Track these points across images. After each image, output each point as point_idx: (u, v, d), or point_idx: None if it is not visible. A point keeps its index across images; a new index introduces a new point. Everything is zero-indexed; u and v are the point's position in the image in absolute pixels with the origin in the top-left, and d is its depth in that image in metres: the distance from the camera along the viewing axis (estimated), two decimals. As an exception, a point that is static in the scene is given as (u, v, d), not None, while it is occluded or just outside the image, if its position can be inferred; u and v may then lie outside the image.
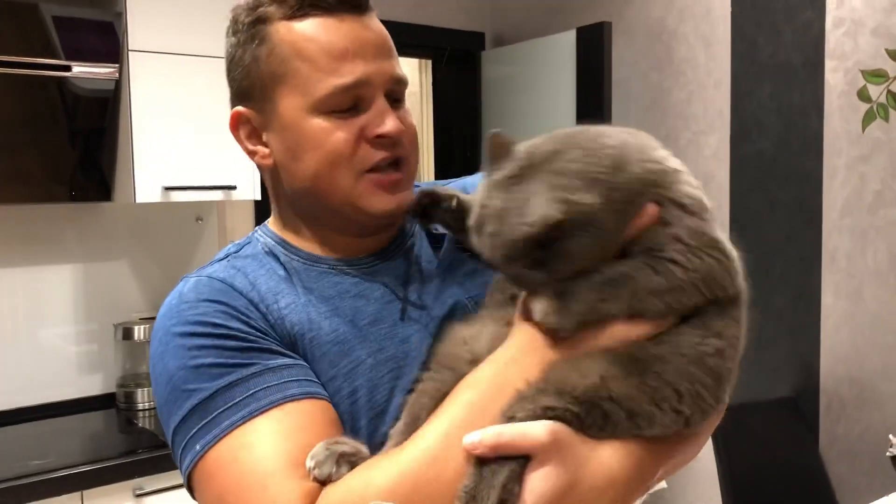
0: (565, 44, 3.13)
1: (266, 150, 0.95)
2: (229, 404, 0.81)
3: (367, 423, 0.87)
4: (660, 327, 0.77)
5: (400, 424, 0.83)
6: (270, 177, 0.98)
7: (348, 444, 0.79)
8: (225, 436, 0.80)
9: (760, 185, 2.72)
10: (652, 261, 0.76)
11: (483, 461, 0.71)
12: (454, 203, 0.91)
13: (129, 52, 2.39)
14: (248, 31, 0.92)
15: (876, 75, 2.35)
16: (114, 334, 2.67)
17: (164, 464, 2.15)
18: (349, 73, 0.89)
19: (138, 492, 2.14)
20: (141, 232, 2.79)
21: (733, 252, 0.81)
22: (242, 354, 0.84)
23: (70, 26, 2.33)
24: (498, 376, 0.77)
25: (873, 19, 2.40)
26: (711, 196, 3.12)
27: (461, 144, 3.75)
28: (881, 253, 2.43)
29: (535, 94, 3.30)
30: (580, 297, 0.75)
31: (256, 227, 1.02)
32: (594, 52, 3.01)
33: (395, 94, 0.94)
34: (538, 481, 0.71)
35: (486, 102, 3.61)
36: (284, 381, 0.83)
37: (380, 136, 0.90)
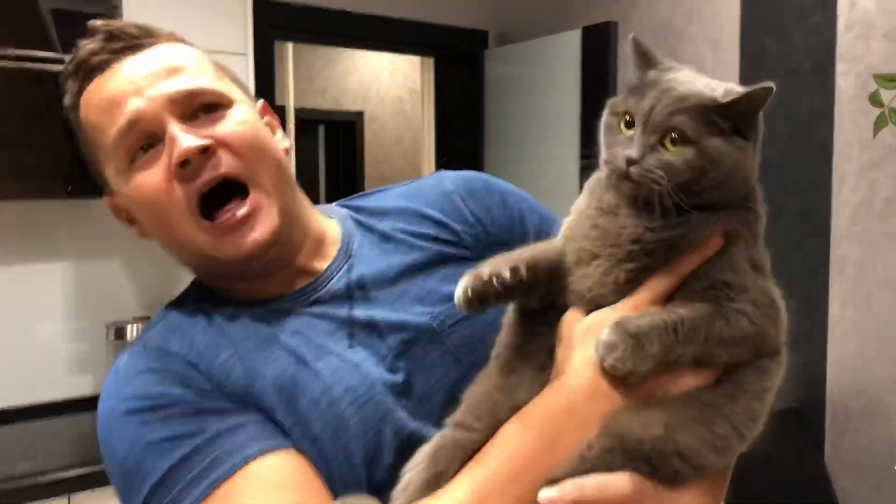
0: (570, 43, 3.08)
1: (141, 227, 0.90)
2: (186, 479, 0.74)
3: (339, 466, 0.80)
4: (715, 377, 0.73)
5: (415, 479, 0.74)
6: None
7: (362, 500, 0.74)
8: None
9: (768, 191, 2.64)
10: (725, 309, 0.72)
11: None
12: (518, 274, 0.74)
13: (125, 46, 2.34)
14: (74, 122, 0.90)
15: (889, 79, 2.30)
16: (106, 334, 2.63)
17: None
18: (121, 117, 0.83)
19: (127, 497, 2.09)
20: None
21: (783, 306, 0.78)
22: (190, 422, 0.76)
23: (68, 19, 2.29)
24: (550, 427, 0.70)
25: (887, 22, 2.35)
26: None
27: (463, 143, 3.70)
28: (891, 262, 2.38)
29: (538, 93, 3.25)
30: (656, 337, 0.69)
31: (190, 283, 0.96)
32: (600, 53, 2.96)
33: (195, 105, 0.85)
34: None
35: (488, 101, 3.56)
36: (242, 442, 0.76)
37: (182, 165, 0.80)
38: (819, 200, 2.53)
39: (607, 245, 0.75)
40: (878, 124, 2.34)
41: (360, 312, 0.88)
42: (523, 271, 0.74)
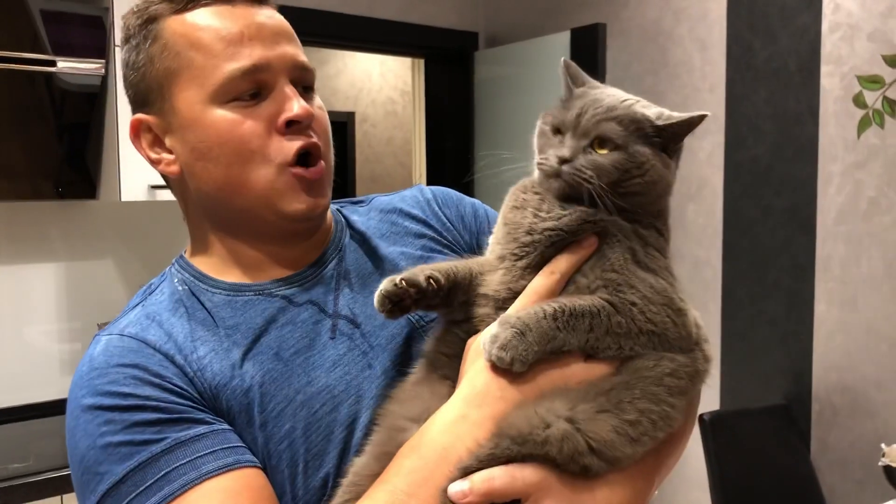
0: (559, 45, 3.10)
1: (170, 157, 0.89)
2: (140, 489, 0.74)
3: (304, 467, 0.81)
4: (611, 371, 0.75)
5: (340, 490, 0.77)
6: (179, 188, 0.92)
7: None
8: None
9: (755, 191, 2.70)
10: (612, 300, 0.74)
11: None
12: (435, 283, 0.79)
13: (116, 48, 2.35)
14: (140, 34, 0.88)
15: (872, 81, 2.33)
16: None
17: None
18: (247, 57, 0.84)
19: (120, 496, 2.10)
20: (127, 230, 2.75)
21: (689, 308, 0.79)
22: (154, 428, 0.76)
23: (58, 20, 2.29)
24: (444, 436, 0.72)
25: (870, 24, 2.38)
26: (705, 202, 3.11)
27: (453, 144, 3.72)
28: (875, 260, 2.41)
29: (528, 94, 3.27)
30: (535, 324, 0.72)
31: (174, 261, 0.95)
32: (588, 54, 2.98)
33: (302, 81, 0.89)
34: None
35: (479, 102, 3.58)
36: (200, 456, 0.76)
37: (289, 123, 0.85)
38: (805, 200, 2.56)
39: (509, 242, 0.81)
40: (862, 125, 2.37)
41: (344, 305, 0.90)
42: (441, 279, 0.79)
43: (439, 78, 3.77)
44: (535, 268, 0.78)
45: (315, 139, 0.87)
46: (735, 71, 2.73)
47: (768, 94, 2.64)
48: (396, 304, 0.78)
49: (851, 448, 2.49)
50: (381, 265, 0.94)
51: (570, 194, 0.78)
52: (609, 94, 0.80)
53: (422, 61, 3.87)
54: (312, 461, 0.81)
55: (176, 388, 0.79)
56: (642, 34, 2.99)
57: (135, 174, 2.39)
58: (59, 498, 2.03)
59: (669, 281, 0.78)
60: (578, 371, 0.73)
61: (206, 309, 0.87)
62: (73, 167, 2.52)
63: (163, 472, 0.75)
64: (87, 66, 2.34)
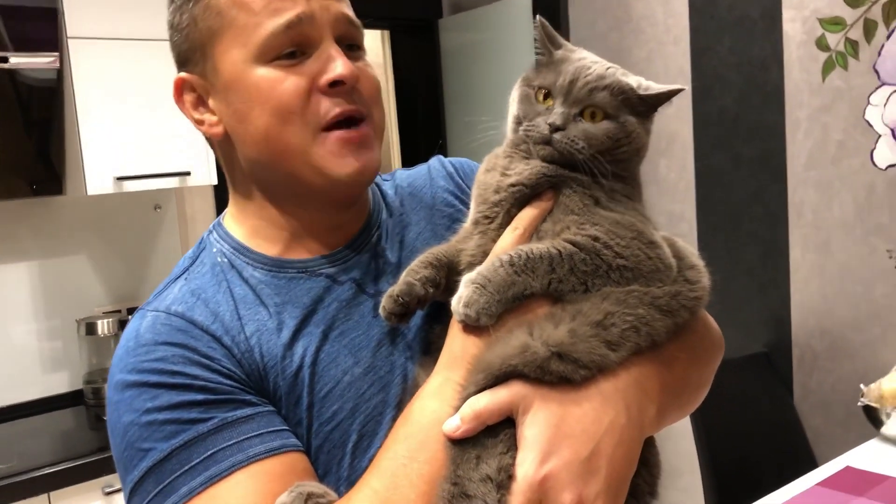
0: (522, 6, 3.07)
1: (214, 118, 0.86)
2: (185, 467, 0.74)
3: (353, 448, 0.81)
4: None
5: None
6: (222, 150, 0.89)
7: (316, 486, 0.74)
8: None
9: (724, 141, 2.69)
10: (576, 238, 0.74)
11: (463, 449, 0.68)
12: (433, 286, 0.81)
13: (69, 40, 2.31)
14: None
15: (833, 23, 2.32)
16: (77, 330, 2.62)
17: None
18: (289, 10, 0.80)
19: (108, 489, 2.10)
20: (98, 224, 2.73)
21: (659, 238, 0.79)
22: (201, 408, 0.76)
23: (14, 15, 2.25)
24: (432, 401, 0.73)
25: (829, -34, 2.36)
26: (676, 156, 3.10)
27: (423, 114, 3.69)
28: (847, 204, 2.41)
29: (494, 60, 3.24)
30: (492, 273, 0.72)
31: (212, 227, 0.92)
32: (552, 13, 2.96)
33: (348, 38, 0.85)
34: (531, 426, 0.68)
35: (446, 70, 3.55)
36: (246, 438, 0.75)
37: (332, 84, 0.81)
38: (775, 147, 2.56)
39: (480, 204, 0.81)
40: (826, 68, 2.36)
41: (384, 283, 0.89)
42: (437, 277, 0.81)
43: (405, 48, 3.74)
44: (505, 227, 0.79)
45: (356, 105, 0.83)
46: (698, 22, 2.71)
47: (732, 43, 2.63)
48: (401, 315, 0.80)
49: (833, 390, 2.51)
50: (413, 243, 0.94)
51: (557, 161, 0.78)
52: (593, 61, 0.80)
53: (387, 33, 3.83)
54: (361, 442, 0.81)
55: (224, 370, 0.79)
56: (604, -10, 2.96)
57: (100, 166, 2.37)
58: (45, 495, 2.03)
59: (638, 219, 0.78)
60: (545, 313, 0.73)
61: (248, 284, 0.85)
62: (42, 164, 2.49)
63: (209, 452, 0.74)
64: (40, 61, 2.30)
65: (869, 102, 2.30)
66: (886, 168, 2.30)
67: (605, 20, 2.98)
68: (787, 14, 2.47)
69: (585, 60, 0.80)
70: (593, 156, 0.76)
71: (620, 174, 0.79)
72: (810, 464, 2.42)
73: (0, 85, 2.32)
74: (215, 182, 2.59)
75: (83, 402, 2.63)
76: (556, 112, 0.77)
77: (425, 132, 3.68)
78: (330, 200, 0.87)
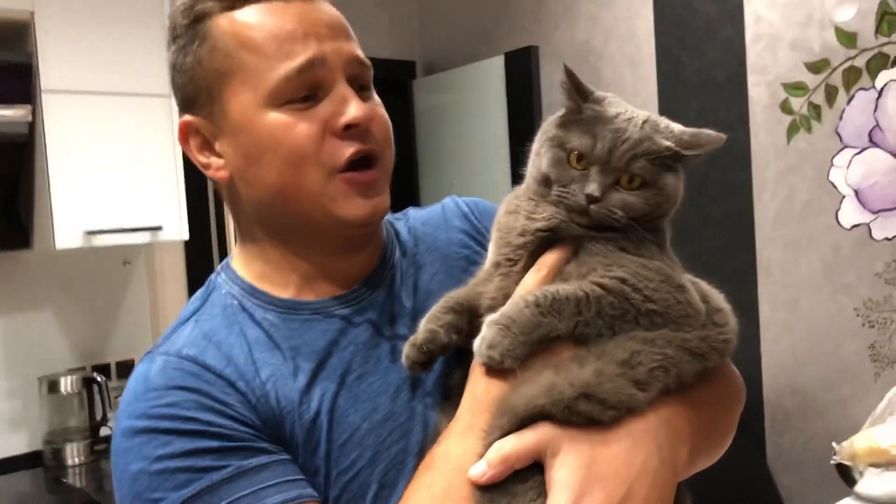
0: (494, 69, 3.13)
1: (220, 162, 0.84)
2: None
3: (374, 498, 0.78)
4: None
5: None
6: (228, 193, 0.87)
7: None
8: None
9: (693, 201, 2.73)
10: (603, 280, 0.72)
11: (491, 497, 0.67)
12: (457, 332, 0.79)
13: (42, 93, 2.31)
14: (188, 33, 0.83)
15: (796, 88, 2.39)
16: (38, 388, 2.55)
17: (93, 523, 2.04)
18: (301, 54, 0.79)
19: (66, 555, 2.02)
20: (65, 279, 2.68)
21: (686, 284, 0.78)
22: (215, 455, 0.73)
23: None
24: (456, 448, 0.71)
25: (790, 33, 2.44)
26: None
27: (396, 173, 3.71)
28: (814, 263, 2.45)
29: (467, 120, 3.29)
30: (517, 314, 0.71)
31: (220, 269, 0.90)
32: (523, 77, 3.02)
33: (359, 79, 0.84)
34: (561, 469, 0.66)
35: (420, 129, 3.59)
36: (262, 488, 0.72)
37: (347, 127, 0.80)
38: (742, 207, 2.61)
39: (502, 247, 0.80)
40: (791, 131, 2.43)
41: (401, 325, 0.87)
42: (460, 324, 0.78)
43: (379, 108, 3.78)
44: (527, 270, 0.77)
45: (371, 145, 0.83)
46: (666, 85, 2.78)
47: (699, 105, 2.70)
48: (425, 364, 0.79)
49: (805, 449, 2.51)
50: (427, 285, 0.91)
51: (592, 227, 0.76)
52: (628, 119, 0.77)
53: (361, 93, 3.88)
54: (382, 492, 0.78)
55: (239, 416, 0.76)
56: (574, 55, 3.03)
57: (69, 220, 2.34)
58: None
59: (666, 262, 0.77)
60: (570, 356, 0.71)
61: (261, 327, 0.83)
62: (8, 217, 2.46)
63: (223, 502, 0.71)
64: (13, 114, 2.29)
65: (832, 164, 2.36)
66: (851, 228, 2.35)
67: (576, 83, 3.04)
68: (752, 79, 2.54)
69: (620, 120, 0.76)
70: (629, 223, 0.74)
71: (652, 227, 0.78)
72: (785, 524, 2.40)
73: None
74: (187, 237, 2.57)
75: (42, 463, 2.54)
76: (593, 183, 0.74)
77: (398, 190, 3.70)
78: (339, 242, 0.86)
